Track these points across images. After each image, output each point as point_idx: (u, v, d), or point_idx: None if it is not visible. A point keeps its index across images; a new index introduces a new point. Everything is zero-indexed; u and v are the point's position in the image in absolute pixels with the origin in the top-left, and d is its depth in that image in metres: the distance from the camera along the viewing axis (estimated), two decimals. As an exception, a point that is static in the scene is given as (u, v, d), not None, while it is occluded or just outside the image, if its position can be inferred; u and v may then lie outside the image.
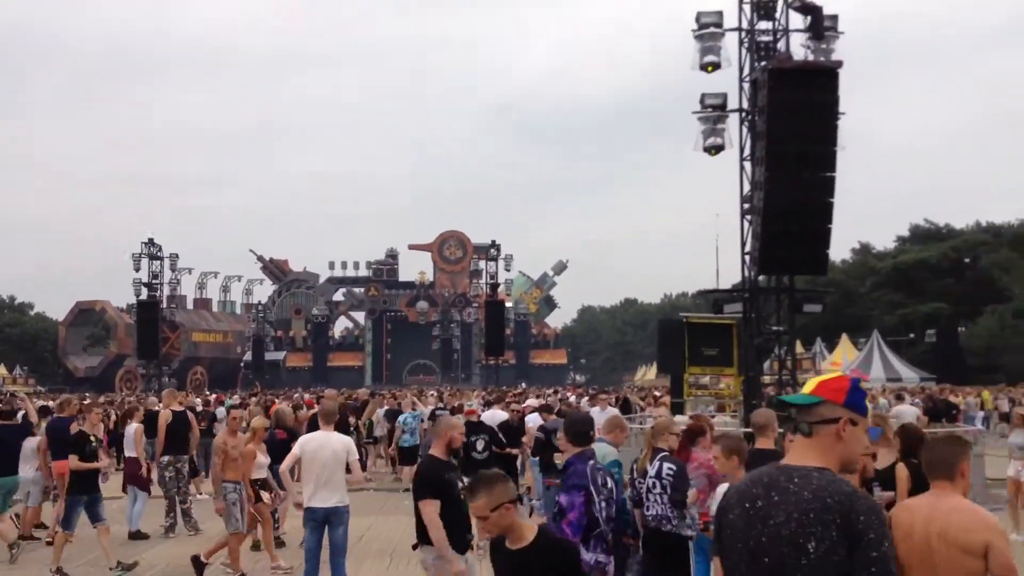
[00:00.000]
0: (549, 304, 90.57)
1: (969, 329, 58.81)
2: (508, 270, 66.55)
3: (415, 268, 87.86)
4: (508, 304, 69.79)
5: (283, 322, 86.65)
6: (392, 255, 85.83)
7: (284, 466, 7.93)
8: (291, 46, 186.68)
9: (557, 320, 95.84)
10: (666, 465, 6.47)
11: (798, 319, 17.03)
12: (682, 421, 9.63)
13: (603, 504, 5.06)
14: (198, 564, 9.51)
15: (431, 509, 5.69)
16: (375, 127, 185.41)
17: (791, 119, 14.74)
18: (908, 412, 16.25)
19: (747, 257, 16.23)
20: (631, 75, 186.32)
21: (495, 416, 14.28)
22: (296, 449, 7.77)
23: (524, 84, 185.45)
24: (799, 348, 20.27)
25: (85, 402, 15.83)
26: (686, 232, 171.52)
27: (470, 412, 12.08)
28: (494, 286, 48.00)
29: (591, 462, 5.24)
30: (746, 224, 16.34)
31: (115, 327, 76.78)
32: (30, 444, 11.41)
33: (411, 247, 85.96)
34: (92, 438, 10.17)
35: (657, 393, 28.52)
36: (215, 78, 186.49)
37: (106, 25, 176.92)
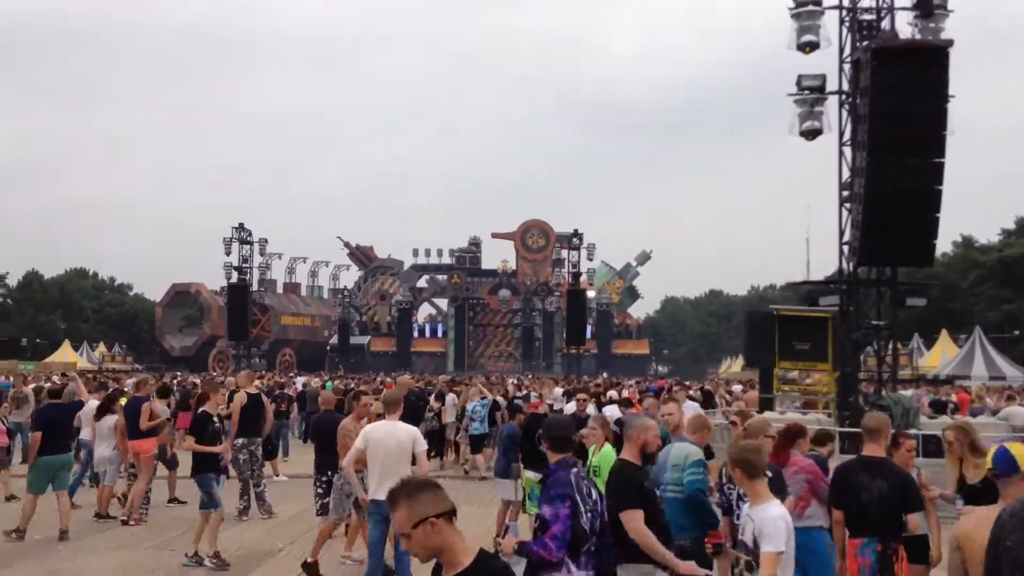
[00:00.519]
0: (632, 294, 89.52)
1: (1080, 327, 55.46)
2: (591, 259, 65.63)
3: (497, 256, 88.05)
4: (590, 294, 69.09)
5: (368, 308, 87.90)
6: (475, 243, 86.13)
7: (347, 460, 7.62)
8: (373, 30, 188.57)
9: (640, 311, 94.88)
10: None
11: (899, 314, 16.00)
12: (774, 420, 8.99)
13: (589, 516, 4.62)
14: (311, 569, 9.00)
15: (638, 520, 5.02)
16: (460, 114, 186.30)
17: (896, 101, 13.78)
18: (1020, 413, 15.09)
19: (845, 248, 15.32)
20: (719, 58, 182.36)
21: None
22: (359, 441, 7.45)
23: (608, 69, 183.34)
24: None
25: (213, 379, 15.90)
26: (775, 223, 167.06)
27: (534, 405, 11.63)
28: (576, 275, 47.46)
29: (575, 469, 4.79)
30: (844, 213, 15.42)
31: (209, 309, 79.13)
32: (107, 423, 11.49)
33: (494, 235, 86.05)
34: (215, 419, 10.05)
35: (736, 387, 27.53)
36: (304, 63, 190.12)
37: (197, 8, 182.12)
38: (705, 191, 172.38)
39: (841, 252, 15.45)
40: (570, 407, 13.98)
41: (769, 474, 5.72)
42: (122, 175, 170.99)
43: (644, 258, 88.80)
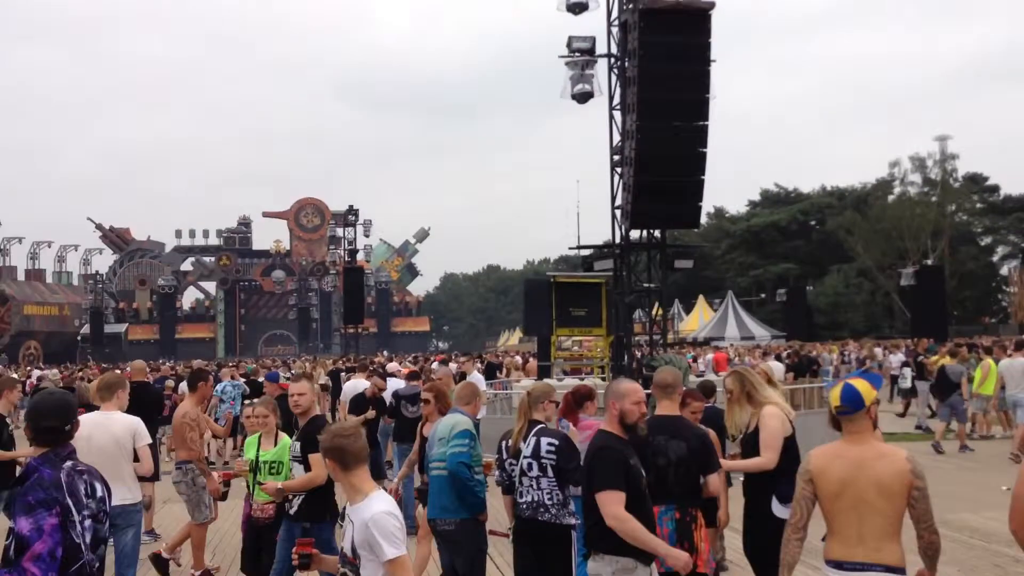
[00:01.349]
0: (411, 272, 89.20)
1: (816, 288, 61.45)
2: (367, 236, 64.55)
3: (270, 237, 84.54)
4: (368, 271, 67.80)
5: (126, 293, 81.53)
6: (245, 223, 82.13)
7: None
8: (133, 6, 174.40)
9: (420, 288, 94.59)
10: (545, 440, 5.29)
11: (668, 276, 16.35)
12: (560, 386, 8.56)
13: (87, 524, 3.43)
14: (160, 562, 7.71)
15: (618, 504, 4.08)
16: (224, 92, 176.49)
17: (663, 64, 13.90)
18: (777, 368, 15.92)
19: (617, 212, 15.39)
20: (487, 33, 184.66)
21: (357, 386, 12.86)
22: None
23: (379, 48, 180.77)
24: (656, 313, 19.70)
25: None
26: (548, 197, 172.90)
27: (282, 387, 9.65)
28: (352, 252, 46.06)
29: (68, 464, 3.50)
30: (616, 178, 15.48)
31: (-66, 301, 69.89)
32: None
33: (266, 215, 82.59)
34: (8, 422, 8.01)
35: (517, 358, 27.67)
36: (43, 39, 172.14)
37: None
38: (480, 168, 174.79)
39: (613, 217, 15.52)
40: (350, 385, 13.05)
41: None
42: None
43: (423, 235, 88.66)
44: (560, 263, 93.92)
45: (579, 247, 17.28)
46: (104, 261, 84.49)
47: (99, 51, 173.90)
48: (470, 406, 5.91)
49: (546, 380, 14.28)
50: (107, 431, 6.03)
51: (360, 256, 50.05)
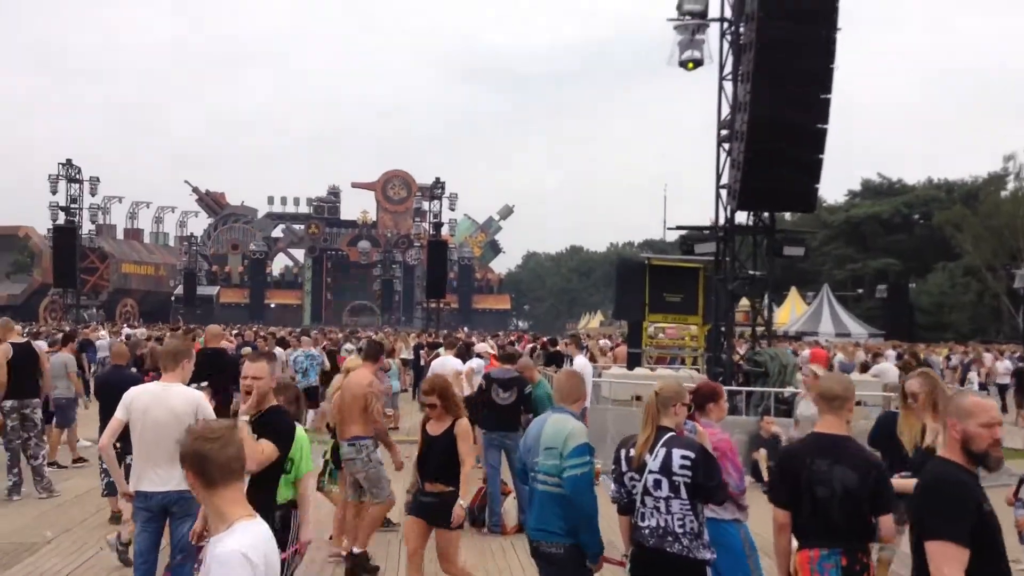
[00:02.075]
0: (494, 249, 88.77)
1: (919, 286, 58.36)
2: (453, 210, 63.85)
3: (358, 207, 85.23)
4: (452, 246, 67.45)
5: (219, 257, 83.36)
6: (334, 192, 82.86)
7: (105, 440, 5.58)
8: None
9: (501, 265, 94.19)
10: (678, 452, 4.27)
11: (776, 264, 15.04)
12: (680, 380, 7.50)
13: None
14: (358, 560, 7.14)
15: (958, 565, 2.98)
16: (320, 62, 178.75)
17: (783, 28, 12.60)
18: (890, 372, 14.54)
19: (722, 192, 14.18)
20: (580, 16, 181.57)
21: (446, 364, 11.92)
22: (119, 410, 5.45)
23: (473, 21, 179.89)
24: (744, 302, 18.35)
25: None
26: (636, 181, 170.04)
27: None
28: (438, 225, 45.48)
29: None
30: (722, 154, 14.27)
31: (40, 255, 72.50)
32: None
33: (354, 185, 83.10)
34: None
35: (603, 341, 26.55)
36: (153, 5, 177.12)
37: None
38: (567, 147, 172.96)
39: (718, 196, 14.32)
40: (438, 362, 12.23)
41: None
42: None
43: (507, 212, 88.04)
44: (645, 246, 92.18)
45: (678, 228, 16.16)
46: (199, 224, 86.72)
47: (206, 18, 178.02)
48: (577, 403, 4.87)
49: (660, 372, 13.28)
50: (165, 405, 5.31)
51: (444, 230, 49.54)
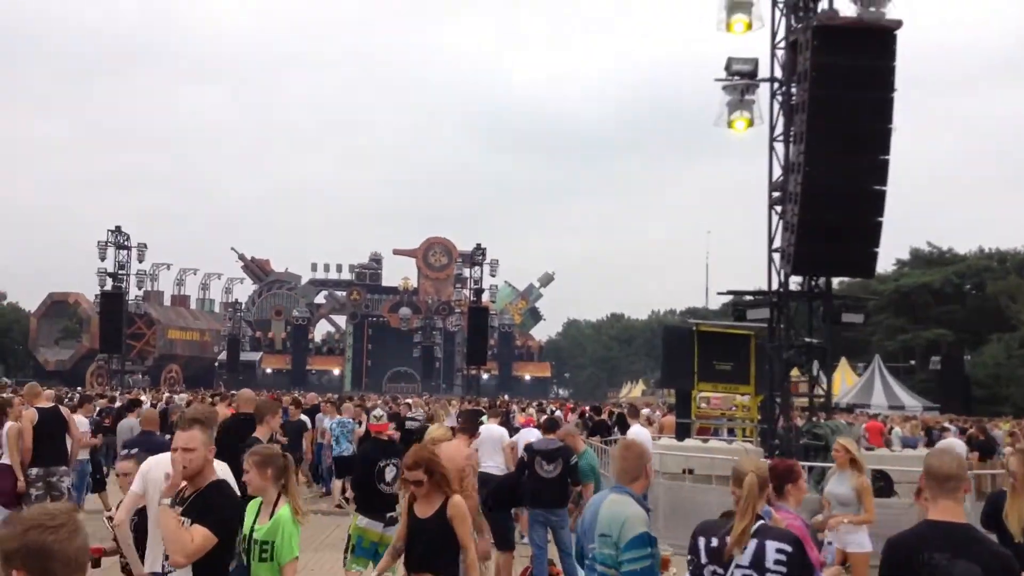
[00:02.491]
0: (534, 316, 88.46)
1: (973, 357, 56.59)
2: (494, 275, 63.92)
3: (399, 274, 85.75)
4: (492, 313, 67.29)
5: (263, 323, 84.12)
6: (376, 259, 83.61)
7: (120, 515, 5.08)
8: (280, 46, 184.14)
9: (542, 333, 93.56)
10: (773, 546, 3.64)
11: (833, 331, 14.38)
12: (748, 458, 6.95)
13: None
14: None
15: None
16: (361, 131, 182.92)
17: (838, 88, 12.24)
18: (959, 447, 13.68)
19: (775, 256, 13.67)
20: (623, 82, 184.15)
21: (491, 432, 10.74)
22: (136, 483, 5.00)
23: (513, 90, 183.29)
24: (794, 372, 17.57)
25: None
26: (676, 248, 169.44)
27: (379, 428, 8.18)
28: (478, 292, 45.40)
29: None
30: (774, 216, 13.81)
31: (88, 321, 73.73)
32: None
33: (396, 252, 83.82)
34: None
35: (645, 410, 25.69)
36: (199, 76, 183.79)
37: (98, 17, 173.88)
38: (607, 214, 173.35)
39: (771, 260, 13.81)
40: (486, 431, 11.51)
41: None
42: (7, 182, 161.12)
43: (547, 280, 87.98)
44: (688, 314, 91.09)
45: (728, 292, 15.59)
46: (244, 290, 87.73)
47: (259, 92, 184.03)
48: (638, 482, 4.25)
49: (713, 444, 12.59)
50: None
51: (485, 296, 49.43)
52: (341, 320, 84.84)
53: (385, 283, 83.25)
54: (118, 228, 46.86)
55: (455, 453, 6.83)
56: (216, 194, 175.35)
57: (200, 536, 4.01)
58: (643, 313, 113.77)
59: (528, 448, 9.08)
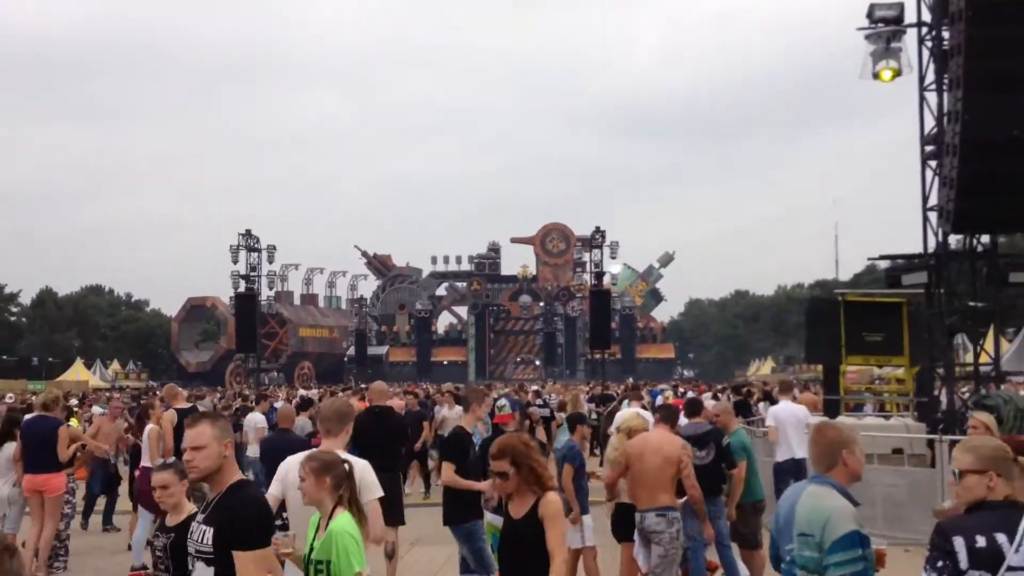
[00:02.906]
0: (655, 297, 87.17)
1: None
2: (614, 258, 63.03)
3: (518, 262, 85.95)
4: (613, 295, 66.55)
5: (387, 317, 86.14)
6: (494, 249, 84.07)
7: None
8: (391, 45, 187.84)
9: (664, 314, 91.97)
10: None
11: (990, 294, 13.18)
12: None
13: None
14: None
15: None
16: (474, 123, 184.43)
17: (999, 26, 11.08)
18: None
19: (930, 214, 12.60)
20: (737, 60, 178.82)
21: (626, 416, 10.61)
22: (274, 485, 4.81)
23: (631, 72, 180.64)
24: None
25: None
26: (799, 220, 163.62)
27: (503, 419, 7.89)
28: (599, 275, 44.67)
29: None
30: (928, 172, 12.73)
31: (225, 322, 77.27)
32: (5, 453, 8.94)
33: (513, 240, 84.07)
34: (473, 440, 7.40)
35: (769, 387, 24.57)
36: (317, 78, 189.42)
37: (222, 31, 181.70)
38: (727, 190, 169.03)
39: (925, 220, 12.74)
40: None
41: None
42: (146, 194, 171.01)
43: (667, 260, 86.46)
44: (816, 287, 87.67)
45: (881, 257, 14.54)
46: (368, 286, 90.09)
47: (373, 92, 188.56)
48: (836, 470, 3.66)
49: (868, 421, 11.80)
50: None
51: (606, 280, 48.75)
52: (463, 311, 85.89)
53: (504, 272, 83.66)
54: (248, 231, 48.50)
55: (666, 443, 6.37)
56: (338, 193, 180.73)
57: (251, 564, 3.54)
58: (769, 288, 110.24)
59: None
